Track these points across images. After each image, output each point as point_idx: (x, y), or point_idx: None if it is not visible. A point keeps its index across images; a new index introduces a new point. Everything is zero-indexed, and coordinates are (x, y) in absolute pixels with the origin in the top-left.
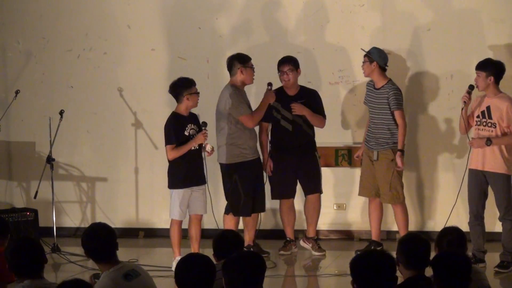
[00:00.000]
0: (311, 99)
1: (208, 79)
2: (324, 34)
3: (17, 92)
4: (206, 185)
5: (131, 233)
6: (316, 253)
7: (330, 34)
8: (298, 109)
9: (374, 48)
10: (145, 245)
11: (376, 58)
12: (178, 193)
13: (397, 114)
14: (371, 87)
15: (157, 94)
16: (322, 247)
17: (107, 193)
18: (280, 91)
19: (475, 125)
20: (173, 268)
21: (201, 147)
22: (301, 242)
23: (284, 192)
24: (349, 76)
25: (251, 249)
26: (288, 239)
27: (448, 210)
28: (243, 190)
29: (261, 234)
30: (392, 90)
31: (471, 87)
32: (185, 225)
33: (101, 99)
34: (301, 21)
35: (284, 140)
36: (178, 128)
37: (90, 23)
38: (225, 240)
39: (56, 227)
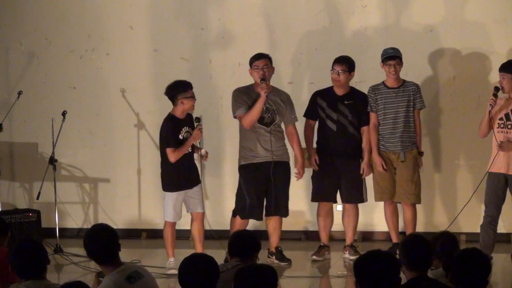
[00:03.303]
0: (359, 101)
1: (211, 79)
2: (326, 35)
3: (19, 93)
4: (200, 184)
5: (134, 234)
6: (352, 257)
7: (332, 35)
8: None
9: (396, 48)
10: (147, 246)
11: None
12: (171, 196)
13: (419, 112)
14: (382, 89)
15: (160, 95)
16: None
17: (110, 194)
18: (328, 90)
19: (498, 127)
20: (167, 268)
21: (193, 149)
22: (343, 255)
23: (323, 195)
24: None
25: (273, 256)
26: (322, 244)
27: (464, 212)
28: (247, 193)
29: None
30: (418, 87)
31: (497, 89)
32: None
33: (104, 100)
34: (303, 22)
35: (329, 141)
36: (176, 131)
37: (92, 24)
38: (240, 240)
39: (58, 228)
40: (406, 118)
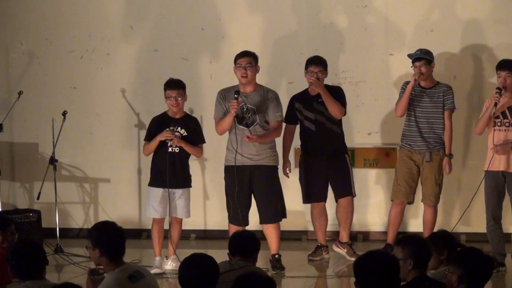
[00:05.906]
0: (332, 95)
1: (211, 79)
2: (327, 35)
3: (20, 93)
4: (188, 190)
5: (134, 234)
6: (352, 259)
7: (332, 35)
8: (315, 84)
9: (425, 50)
10: (148, 246)
11: (433, 58)
12: (150, 190)
13: (450, 114)
14: (415, 88)
15: (160, 95)
16: (357, 252)
17: (110, 194)
18: (303, 92)
19: (495, 125)
20: (153, 269)
21: (182, 149)
22: (334, 247)
23: (313, 196)
24: (352, 77)
25: (270, 262)
26: (319, 244)
27: (467, 212)
28: (229, 196)
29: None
30: (449, 88)
31: (500, 89)
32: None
33: (104, 100)
34: (304, 22)
35: (310, 141)
36: (157, 127)
37: (93, 24)
38: (239, 240)
39: (59, 228)
40: (432, 119)
